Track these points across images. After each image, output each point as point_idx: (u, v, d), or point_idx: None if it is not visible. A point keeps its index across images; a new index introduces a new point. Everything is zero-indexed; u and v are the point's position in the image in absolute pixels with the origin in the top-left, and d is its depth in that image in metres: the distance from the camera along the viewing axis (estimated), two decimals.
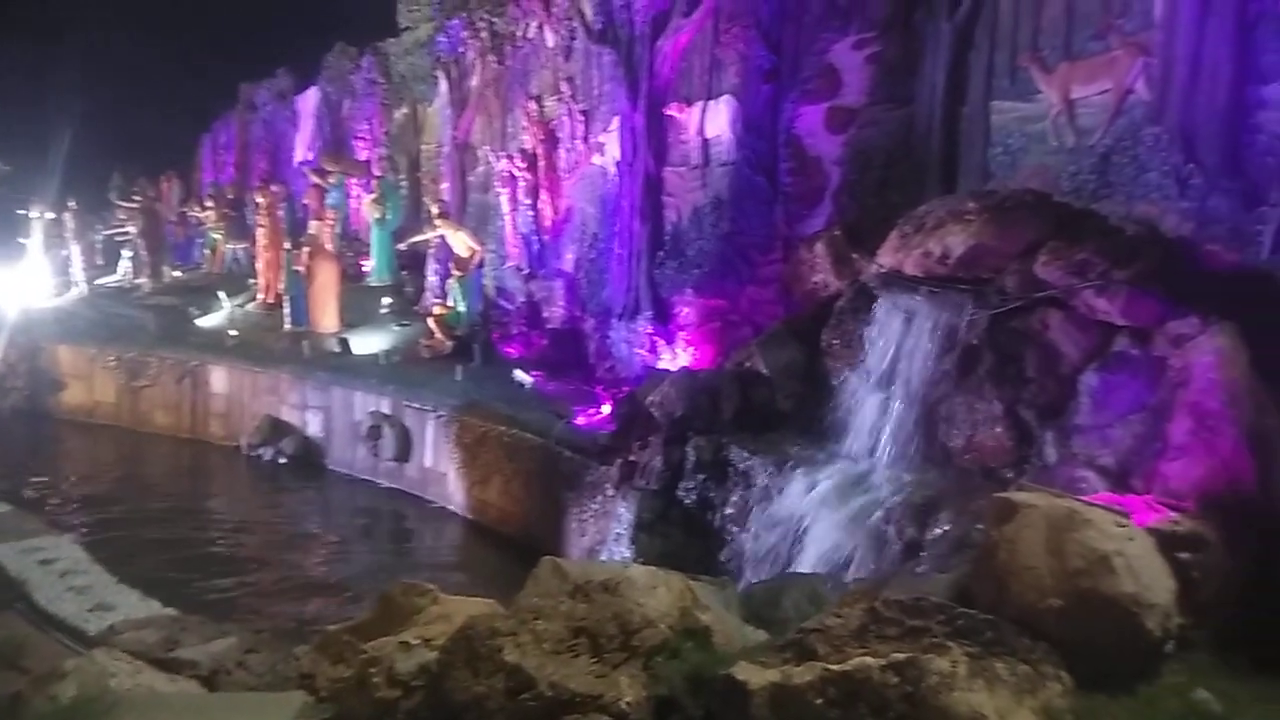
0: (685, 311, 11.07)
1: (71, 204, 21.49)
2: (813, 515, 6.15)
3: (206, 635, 5.71)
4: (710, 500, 7.06)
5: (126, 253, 21.56)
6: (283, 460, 13.12)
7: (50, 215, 21.56)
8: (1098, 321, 5.63)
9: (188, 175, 26.44)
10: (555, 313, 13.76)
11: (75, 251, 20.73)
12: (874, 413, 6.62)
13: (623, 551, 7.37)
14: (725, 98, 10.81)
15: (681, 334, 11.02)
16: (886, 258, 6.82)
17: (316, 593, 9.00)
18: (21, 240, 22.43)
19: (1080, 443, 5.47)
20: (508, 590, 4.64)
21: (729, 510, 6.87)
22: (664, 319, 11.29)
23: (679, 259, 11.34)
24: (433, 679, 3.48)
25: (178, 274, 21.08)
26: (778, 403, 7.47)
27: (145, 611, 6.28)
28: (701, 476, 7.16)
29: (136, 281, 20.45)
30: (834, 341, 7.18)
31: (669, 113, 11.55)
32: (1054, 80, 7.66)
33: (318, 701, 3.90)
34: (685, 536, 7.00)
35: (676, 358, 10.81)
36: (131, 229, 21.18)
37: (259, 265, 17.58)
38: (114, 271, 21.94)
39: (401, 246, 17.16)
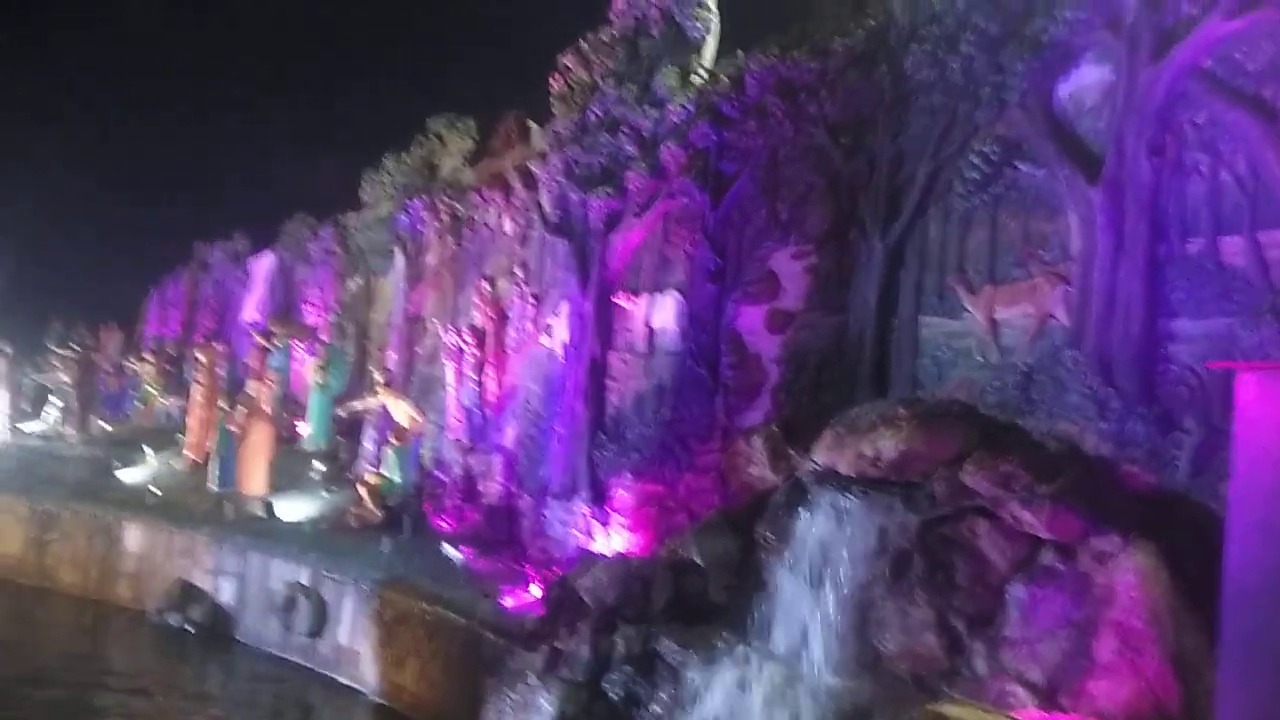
0: (622, 495, 11.05)
1: (5, 348, 21.09)
2: (740, 715, 5.97)
3: None
4: (637, 696, 6.83)
5: (56, 401, 21.03)
6: (190, 628, 12.41)
7: None
8: (1024, 533, 5.77)
9: (131, 326, 26.23)
10: (491, 487, 13.61)
11: (2, 396, 20.17)
12: (805, 610, 6.57)
13: None
14: (671, 292, 11.27)
15: (617, 517, 10.94)
16: (821, 456, 6.98)
17: None
18: None
19: (1009, 655, 5.48)
20: None
21: (655, 708, 6.64)
22: (600, 501, 11.24)
23: (619, 442, 11.43)
24: None
25: (106, 426, 20.52)
26: (711, 593, 7.39)
27: None
28: (629, 669, 6.95)
29: (62, 430, 19.85)
30: (768, 535, 7.21)
31: (617, 302, 11.95)
32: (979, 301, 8.17)
33: None
34: None
35: (611, 540, 10.69)
36: (65, 378, 20.77)
37: (191, 421, 17.24)
38: (40, 418, 21.31)
39: (341, 412, 17.03)
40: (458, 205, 16.35)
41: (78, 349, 21.02)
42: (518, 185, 14.57)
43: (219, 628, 12.42)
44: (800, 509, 7.00)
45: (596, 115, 11.82)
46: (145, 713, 10.20)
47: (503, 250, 15.09)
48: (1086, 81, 7.74)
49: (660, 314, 11.41)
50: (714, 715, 6.22)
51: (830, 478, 6.82)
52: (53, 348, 22.97)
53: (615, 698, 6.94)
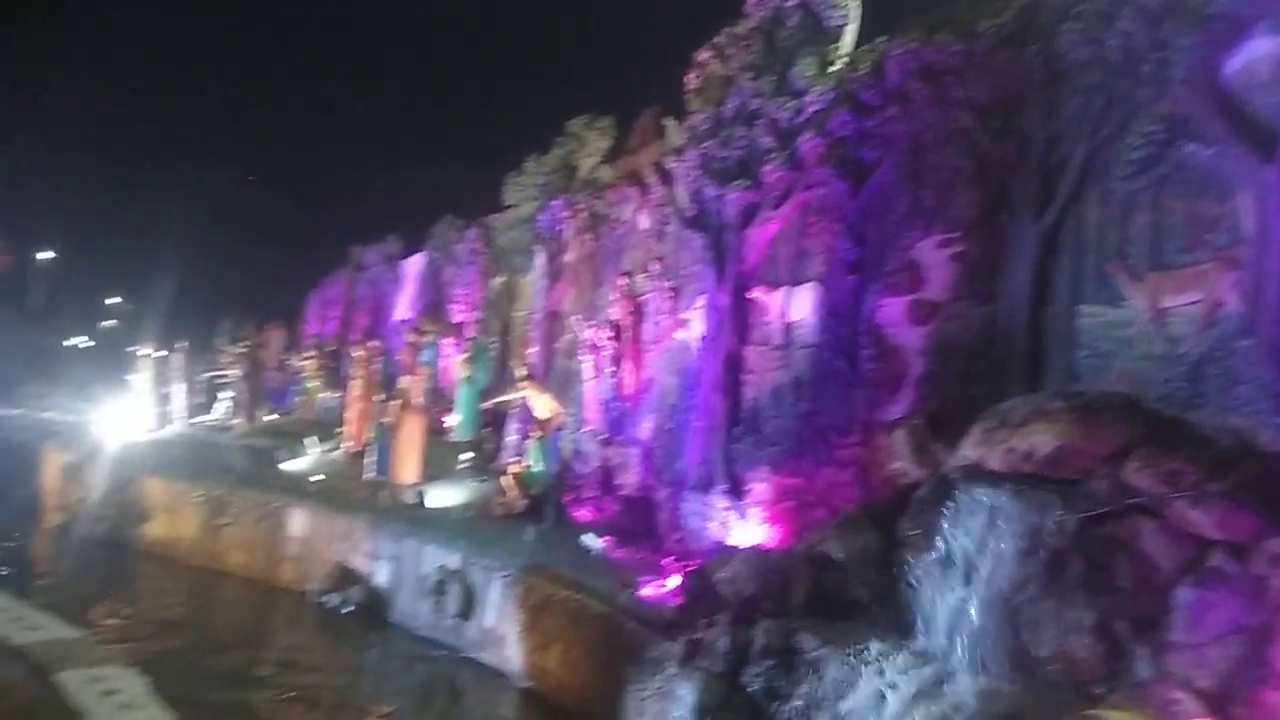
0: (759, 488, 11.02)
1: (182, 344, 22.82)
2: (887, 716, 5.86)
3: None
4: (777, 690, 6.79)
5: (227, 394, 22.64)
6: (348, 609, 13.11)
7: (159, 353, 22.90)
8: (1191, 534, 5.44)
9: (293, 325, 27.93)
10: (629, 480, 13.82)
11: (179, 389, 21.84)
12: (952, 611, 6.39)
13: None
14: (809, 284, 11.14)
15: (754, 510, 10.93)
16: (970, 451, 6.76)
17: None
18: (130, 375, 23.80)
19: (1175, 661, 5.17)
20: None
21: (797, 702, 6.59)
22: (737, 494, 11.24)
23: (755, 436, 11.39)
24: None
25: (272, 418, 21.94)
26: (851, 590, 7.28)
27: None
28: (769, 663, 6.92)
29: (232, 422, 21.35)
30: (912, 532, 7.03)
31: (753, 295, 11.91)
32: (1143, 289, 7.73)
33: None
34: None
35: (748, 533, 10.68)
36: (235, 372, 22.33)
37: (349, 414, 18.21)
38: (212, 411, 22.97)
39: (486, 405, 17.62)
40: (596, 203, 16.66)
41: (246, 346, 22.51)
42: (654, 181, 14.72)
43: (375, 609, 13.06)
44: (947, 505, 6.80)
45: (733, 109, 11.81)
46: (307, 684, 10.88)
47: (639, 246, 15.28)
48: (1259, 54, 7.21)
49: (797, 306, 11.30)
50: (857, 713, 6.13)
51: (979, 474, 6.59)
52: (223, 345, 24.73)
53: (754, 690, 6.92)
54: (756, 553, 8.39)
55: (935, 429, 8.11)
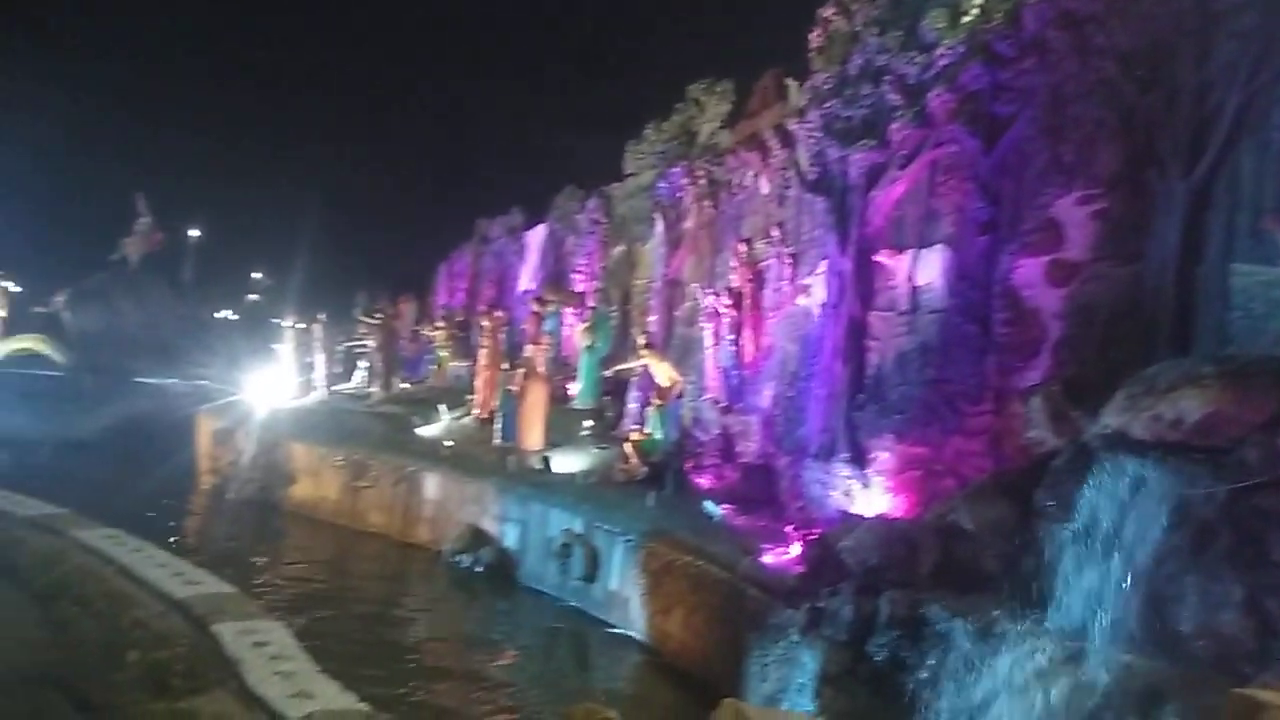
0: (884, 457, 10.79)
1: (321, 316, 23.93)
2: (1020, 691, 5.68)
3: None
4: (903, 660, 6.67)
5: (363, 363, 23.68)
6: (479, 569, 13.58)
7: (300, 325, 24.09)
8: None
9: (424, 297, 28.92)
10: (749, 447, 13.76)
11: (319, 359, 22.93)
12: (1091, 584, 6.12)
13: (805, 704, 7.05)
14: (938, 246, 10.75)
15: (878, 479, 10.71)
16: (1111, 418, 6.42)
17: (493, 700, 9.14)
18: (273, 346, 25.15)
19: None
20: None
21: (924, 674, 6.46)
22: (860, 462, 11.04)
23: (880, 403, 11.14)
24: None
25: (406, 386, 22.82)
26: (982, 562, 7.05)
27: (341, 704, 6.53)
28: (895, 633, 6.80)
29: (369, 390, 22.31)
30: (1049, 503, 6.75)
31: (878, 259, 11.59)
32: None
33: None
34: (873, 696, 6.62)
35: (871, 503, 10.49)
36: (370, 342, 23.30)
37: (478, 383, 18.75)
38: (350, 379, 24.06)
39: (607, 373, 17.83)
40: (715, 169, 16.52)
41: (380, 318, 23.41)
42: (775, 144, 14.47)
43: (504, 569, 13.49)
44: (1087, 475, 6.50)
45: (858, 66, 11.46)
46: (441, 637, 11.39)
47: (759, 211, 15.08)
48: None
49: (925, 270, 10.93)
50: (990, 687, 5.96)
51: (1122, 442, 6.26)
52: (359, 316, 25.80)
53: (879, 660, 6.82)
54: (881, 522, 8.24)
55: (1074, 396, 7.73)
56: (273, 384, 21.93)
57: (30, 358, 26.78)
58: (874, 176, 11.46)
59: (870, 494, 10.67)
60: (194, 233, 41.83)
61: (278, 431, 18.43)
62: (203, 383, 25.63)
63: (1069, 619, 6.12)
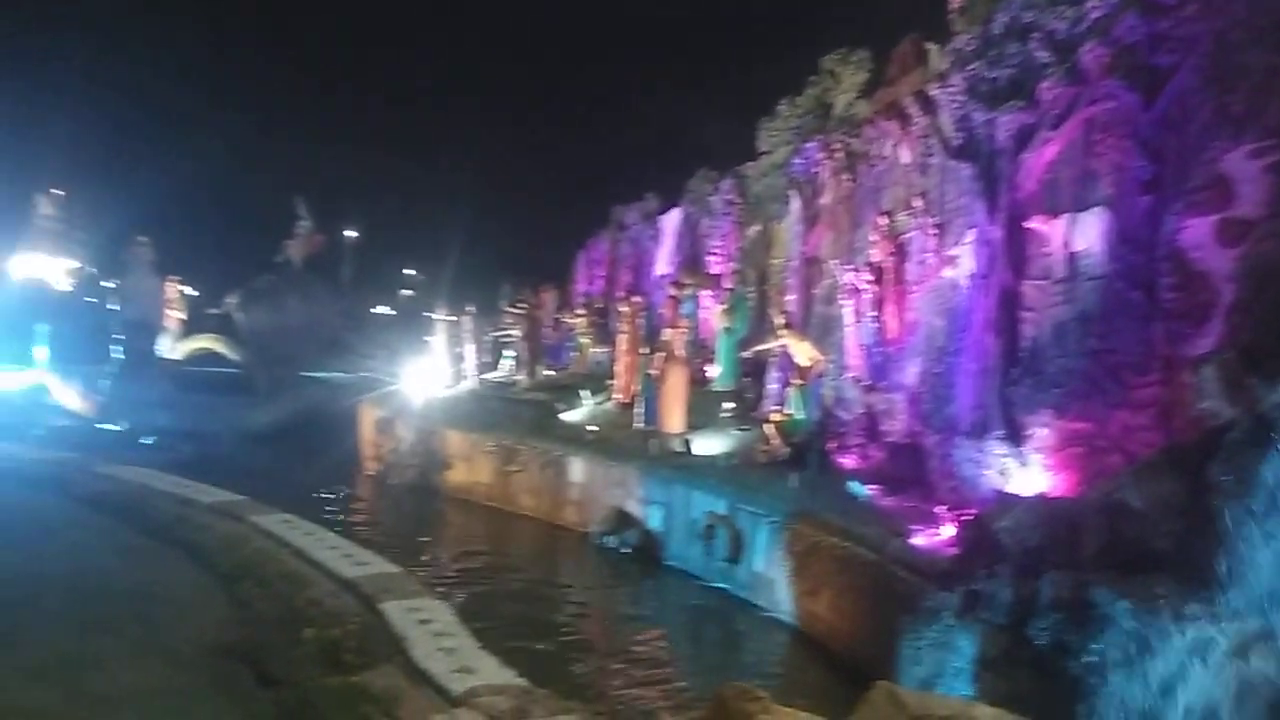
0: (1042, 433, 10.30)
1: (470, 308, 24.79)
2: (1201, 675, 5.35)
3: (552, 709, 6.10)
4: (1067, 644, 6.37)
5: (509, 352, 24.40)
6: (625, 550, 13.82)
7: (451, 317, 25.02)
8: None
9: (564, 286, 29.48)
10: (895, 426, 13.41)
11: (469, 349, 23.78)
12: (1272, 564, 5.68)
13: (962, 688, 6.85)
14: (1097, 209, 10.14)
15: (1036, 456, 10.24)
16: None
17: (645, 682, 9.28)
18: (427, 338, 26.24)
19: None
20: (832, 708, 4.52)
21: (1090, 658, 6.16)
22: (1016, 439, 10.57)
23: (1036, 376, 10.62)
24: None
25: (550, 373, 23.39)
26: (1151, 541, 6.65)
27: (501, 679, 6.79)
28: (1058, 616, 6.50)
29: (515, 378, 23.00)
30: (1225, 477, 6.30)
31: (1030, 225, 11.05)
32: None
33: None
34: (1036, 680, 6.36)
35: (1029, 481, 10.04)
36: (516, 332, 24.00)
37: (618, 368, 19.02)
38: (497, 368, 24.85)
39: (746, 354, 17.74)
40: (852, 141, 16.11)
41: (524, 307, 24.06)
42: (915, 112, 13.97)
43: (650, 550, 13.68)
44: (1268, 448, 6.04)
45: (1003, 25, 10.93)
46: (590, 613, 11.67)
47: (900, 182, 14.62)
48: None
49: (1082, 234, 10.33)
50: (1166, 672, 5.63)
51: None
52: (505, 307, 26.56)
53: (1041, 644, 6.54)
54: (1041, 501, 7.89)
55: (1250, 363, 7.16)
56: (427, 374, 22.90)
57: (207, 356, 28.90)
58: (1023, 139, 10.91)
59: (1028, 472, 10.22)
60: (351, 233, 44.04)
61: (433, 419, 19.24)
62: (363, 375, 26.99)
63: (1247, 601, 5.72)
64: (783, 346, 15.31)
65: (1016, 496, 9.02)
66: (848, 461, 13.22)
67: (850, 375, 14.90)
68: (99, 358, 23.57)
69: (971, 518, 9.35)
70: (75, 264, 28.57)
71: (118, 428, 21.55)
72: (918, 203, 13.81)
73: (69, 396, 23.19)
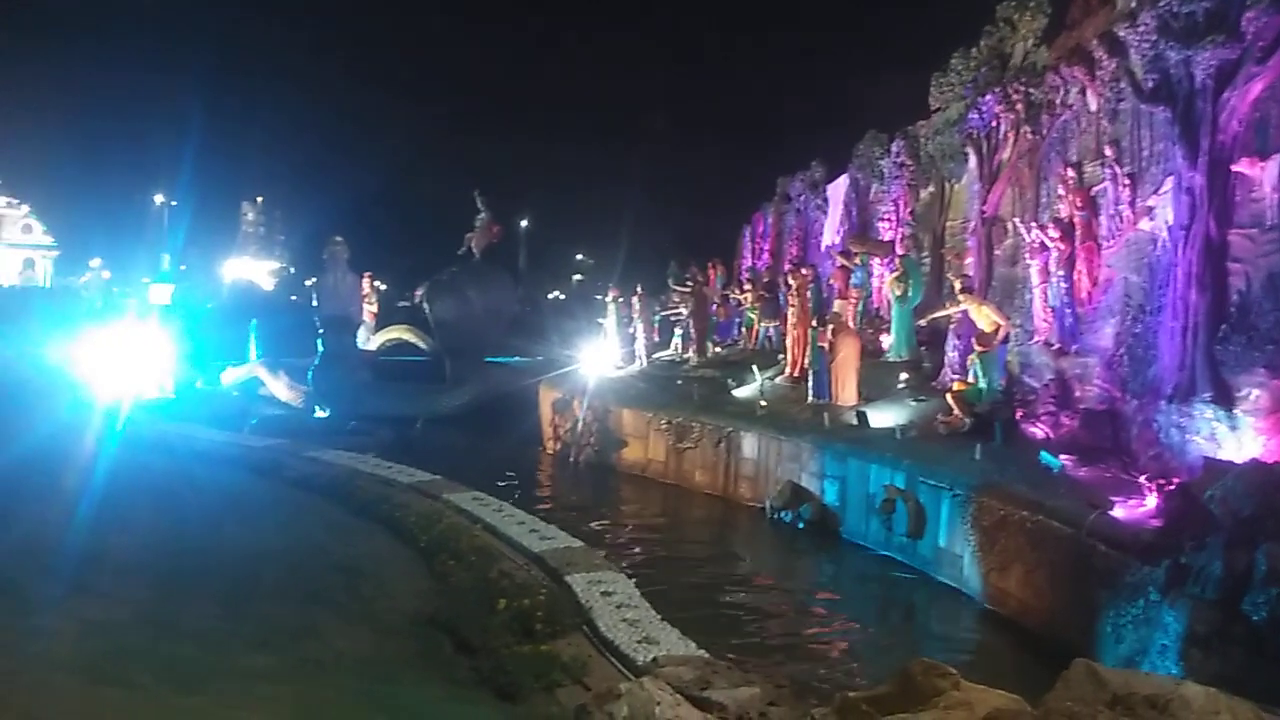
0: (1256, 395, 9.45)
1: (639, 289, 25.15)
2: None
3: (733, 681, 6.17)
4: None
5: (678, 331, 24.61)
6: (801, 525, 13.73)
7: (621, 299, 25.48)
8: None
9: (729, 262, 29.39)
10: (1089, 392, 12.62)
11: (640, 329, 24.15)
12: None
13: (1169, 666, 6.44)
14: None
15: (1248, 420, 9.41)
16: None
17: (824, 655, 9.23)
18: (599, 320, 26.85)
19: None
20: (1024, 687, 4.35)
21: None
22: (1226, 402, 9.74)
23: (1247, 333, 9.75)
24: None
25: (718, 350, 23.44)
26: None
27: (683, 650, 6.93)
28: (1275, 590, 6.00)
29: (685, 356, 23.18)
30: None
31: (1237, 170, 10.10)
32: None
33: None
34: (1251, 658, 5.91)
35: (1242, 448, 9.24)
36: (683, 310, 24.17)
37: (788, 342, 18.82)
38: (667, 347, 25.13)
39: (921, 322, 17.16)
40: (1033, 91, 15.20)
41: (691, 285, 24.17)
42: (1102, 55, 13.03)
43: (826, 525, 13.53)
44: None
45: None
46: (767, 587, 11.68)
47: (1088, 131, 13.70)
48: None
49: None
50: None
51: None
52: (672, 286, 26.78)
53: (1258, 620, 6.06)
54: (1255, 468, 7.28)
55: None
56: (600, 355, 23.44)
57: (399, 345, 30.72)
58: (1225, 76, 9.97)
59: (1239, 437, 9.41)
60: (524, 223, 45.59)
61: (607, 399, 19.70)
62: (541, 358, 27.94)
63: None
64: (962, 312, 14.72)
65: (1227, 463, 8.35)
66: (1037, 431, 12.56)
67: (1038, 339, 14.13)
68: (304, 351, 25.46)
69: (1177, 487, 8.73)
70: (278, 265, 30.95)
71: (323, 415, 23.26)
72: (1108, 152, 12.90)
73: (278, 388, 25.23)
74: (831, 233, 23.84)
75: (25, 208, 73.64)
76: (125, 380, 17.75)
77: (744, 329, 23.91)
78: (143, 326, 23.17)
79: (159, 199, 57.66)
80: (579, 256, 55.78)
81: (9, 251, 72.81)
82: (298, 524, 10.42)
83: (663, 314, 26.50)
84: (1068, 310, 13.52)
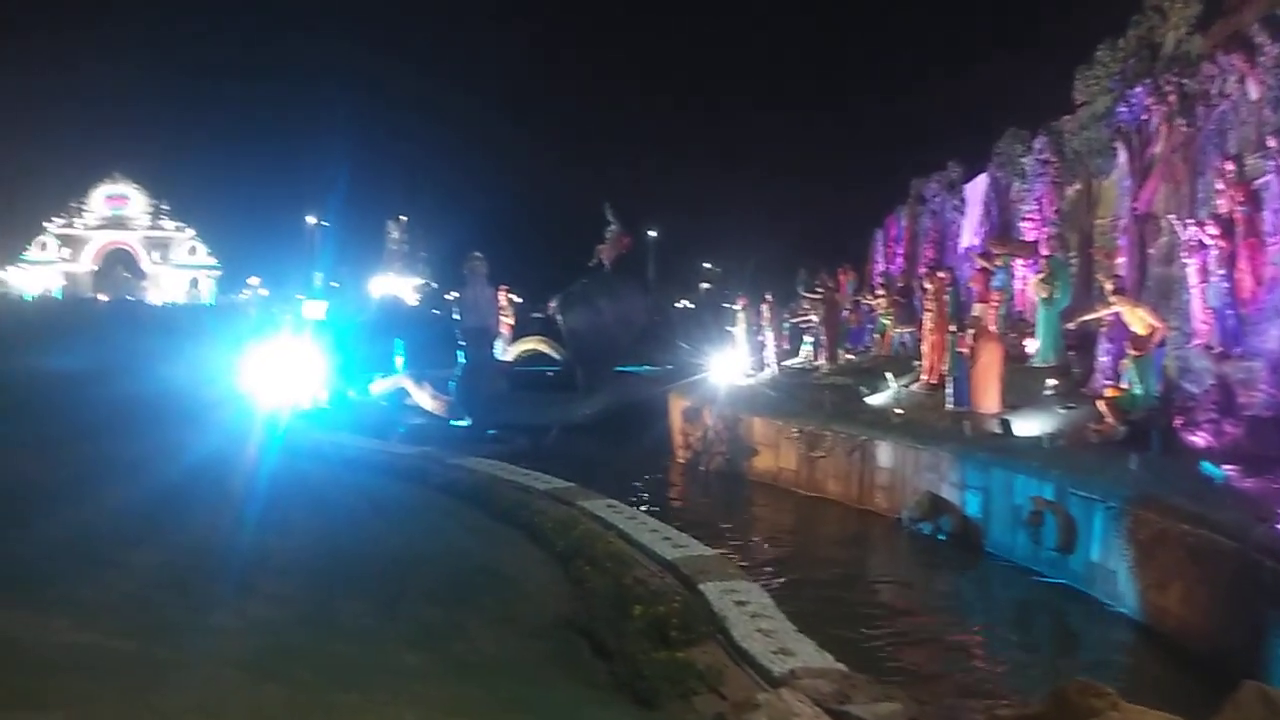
0: None
1: (768, 296, 25.00)
2: None
3: (873, 696, 6.07)
4: None
5: (808, 338, 24.33)
6: (941, 537, 13.33)
7: (749, 306, 25.39)
8: None
9: (861, 267, 28.85)
10: (1254, 398, 11.77)
11: (769, 337, 24.00)
12: None
13: None
14: None
15: None
16: None
17: (968, 673, 8.93)
18: (728, 328, 26.82)
19: None
20: (1187, 710, 4.12)
21: None
22: None
23: None
24: None
25: (850, 357, 23.04)
26: None
27: (820, 662, 6.84)
28: None
29: (816, 363, 22.89)
30: None
31: None
32: None
33: None
34: None
35: None
36: (814, 317, 23.87)
37: (924, 348, 18.34)
38: (797, 354, 24.86)
39: (1070, 326, 16.41)
40: (1186, 81, 14.37)
41: (822, 291, 23.86)
42: (1264, 40, 12.21)
43: (968, 537, 13.09)
44: None
45: None
46: (906, 600, 11.38)
47: (1248, 122, 12.86)
48: None
49: None
50: None
51: None
52: (802, 292, 26.48)
53: None
54: None
55: None
56: (730, 363, 23.41)
57: (534, 356, 31.51)
58: None
59: None
60: (653, 233, 46.04)
61: (737, 407, 19.66)
62: (670, 367, 28.11)
63: None
64: (1114, 314, 14.02)
65: None
66: (1198, 439, 11.81)
67: (1197, 342, 13.29)
68: (445, 363, 26.44)
69: None
70: (421, 280, 32.27)
71: (463, 424, 24.08)
72: (1271, 143, 12.06)
73: (423, 398, 26.26)
74: (970, 234, 23.10)
75: (191, 231, 79.57)
76: (284, 391, 18.87)
77: (877, 335, 23.42)
78: (298, 341, 24.54)
79: (311, 220, 61.04)
80: (707, 265, 55.88)
81: (177, 272, 78.73)
82: (443, 528, 10.84)
83: (792, 321, 26.23)
84: (1229, 311, 12.67)
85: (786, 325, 25.79)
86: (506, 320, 31.44)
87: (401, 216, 69.36)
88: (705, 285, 52.01)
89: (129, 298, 64.14)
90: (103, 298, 60.11)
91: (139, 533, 7.14)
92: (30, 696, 3.49)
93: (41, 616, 4.72)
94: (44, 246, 76.49)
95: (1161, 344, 13.11)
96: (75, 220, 77.23)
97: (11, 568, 5.61)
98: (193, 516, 8.17)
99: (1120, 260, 16.21)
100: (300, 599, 6.78)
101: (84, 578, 5.87)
